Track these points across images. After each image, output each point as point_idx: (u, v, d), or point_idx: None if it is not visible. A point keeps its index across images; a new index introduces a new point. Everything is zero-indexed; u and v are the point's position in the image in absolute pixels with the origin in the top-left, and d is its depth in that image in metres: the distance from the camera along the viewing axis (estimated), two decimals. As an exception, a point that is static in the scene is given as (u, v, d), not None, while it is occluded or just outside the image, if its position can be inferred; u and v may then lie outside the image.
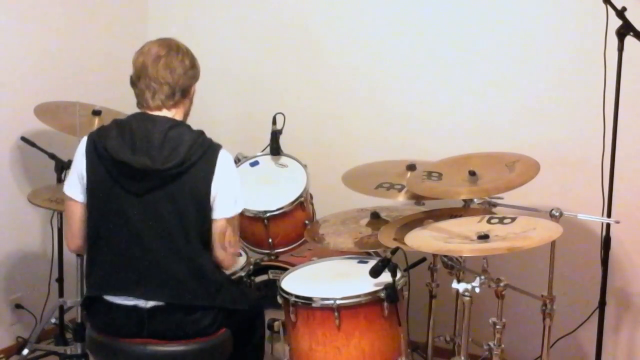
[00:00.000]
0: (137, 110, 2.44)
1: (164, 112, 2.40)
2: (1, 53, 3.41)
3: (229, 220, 2.42)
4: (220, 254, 2.43)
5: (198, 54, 2.51)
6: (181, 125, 2.40)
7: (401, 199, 2.98)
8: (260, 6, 3.87)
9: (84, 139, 2.41)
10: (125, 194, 2.33)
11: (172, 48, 2.41)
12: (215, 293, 2.40)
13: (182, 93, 2.42)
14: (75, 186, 2.42)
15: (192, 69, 2.45)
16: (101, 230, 2.38)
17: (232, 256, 2.50)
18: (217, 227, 2.40)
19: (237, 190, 2.43)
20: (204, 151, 2.35)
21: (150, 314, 2.35)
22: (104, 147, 2.33)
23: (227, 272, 2.58)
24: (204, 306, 2.38)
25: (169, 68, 2.38)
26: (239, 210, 2.45)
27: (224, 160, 2.39)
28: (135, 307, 2.35)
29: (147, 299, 2.34)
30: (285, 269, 2.89)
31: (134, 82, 2.41)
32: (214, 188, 2.36)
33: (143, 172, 2.30)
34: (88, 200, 2.39)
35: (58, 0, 3.67)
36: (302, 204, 3.07)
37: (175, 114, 2.42)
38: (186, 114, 2.49)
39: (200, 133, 2.40)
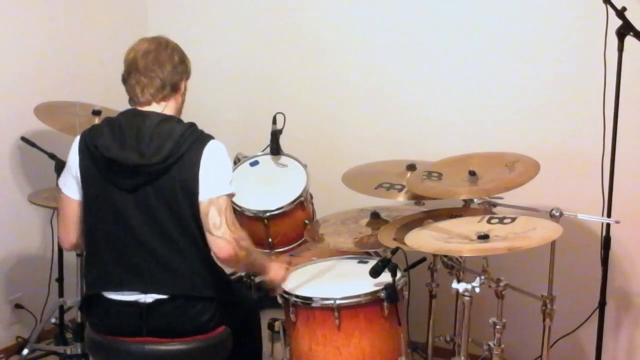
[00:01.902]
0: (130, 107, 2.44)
1: (154, 107, 2.40)
2: (1, 53, 3.41)
3: (212, 201, 2.31)
4: (210, 239, 2.32)
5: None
6: (171, 119, 2.39)
7: (401, 199, 2.98)
8: (261, 6, 3.87)
9: (77, 138, 2.42)
10: (118, 190, 2.33)
11: (161, 43, 2.42)
12: (213, 285, 2.40)
13: (172, 88, 2.42)
14: (70, 184, 2.42)
15: (182, 65, 2.45)
16: (97, 228, 2.38)
17: (223, 241, 2.31)
18: (201, 210, 2.32)
19: (223, 173, 2.35)
20: (192, 143, 2.33)
21: (149, 309, 2.34)
22: (95, 145, 2.34)
23: (226, 267, 2.49)
24: (203, 298, 2.37)
25: (157, 62, 2.38)
26: (225, 192, 2.33)
27: (211, 150, 2.34)
28: (134, 303, 2.35)
29: (147, 292, 2.34)
30: (285, 269, 2.88)
31: (125, 78, 2.42)
32: (201, 177, 2.32)
33: (132, 168, 2.30)
34: (83, 198, 2.40)
35: (58, 1, 3.67)
36: (302, 203, 3.07)
37: (165, 108, 2.41)
38: (178, 110, 2.47)
39: (190, 125, 2.39)
